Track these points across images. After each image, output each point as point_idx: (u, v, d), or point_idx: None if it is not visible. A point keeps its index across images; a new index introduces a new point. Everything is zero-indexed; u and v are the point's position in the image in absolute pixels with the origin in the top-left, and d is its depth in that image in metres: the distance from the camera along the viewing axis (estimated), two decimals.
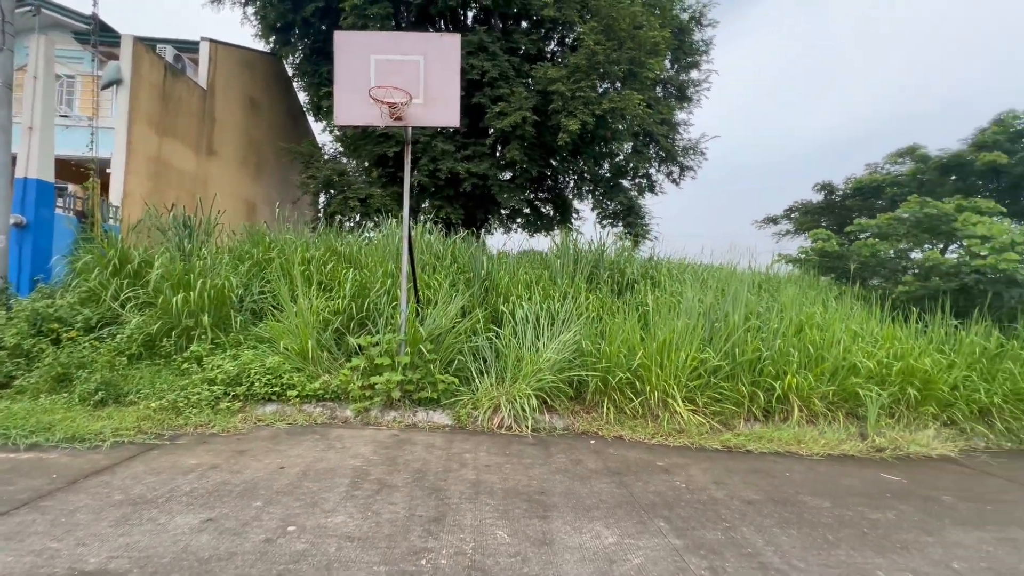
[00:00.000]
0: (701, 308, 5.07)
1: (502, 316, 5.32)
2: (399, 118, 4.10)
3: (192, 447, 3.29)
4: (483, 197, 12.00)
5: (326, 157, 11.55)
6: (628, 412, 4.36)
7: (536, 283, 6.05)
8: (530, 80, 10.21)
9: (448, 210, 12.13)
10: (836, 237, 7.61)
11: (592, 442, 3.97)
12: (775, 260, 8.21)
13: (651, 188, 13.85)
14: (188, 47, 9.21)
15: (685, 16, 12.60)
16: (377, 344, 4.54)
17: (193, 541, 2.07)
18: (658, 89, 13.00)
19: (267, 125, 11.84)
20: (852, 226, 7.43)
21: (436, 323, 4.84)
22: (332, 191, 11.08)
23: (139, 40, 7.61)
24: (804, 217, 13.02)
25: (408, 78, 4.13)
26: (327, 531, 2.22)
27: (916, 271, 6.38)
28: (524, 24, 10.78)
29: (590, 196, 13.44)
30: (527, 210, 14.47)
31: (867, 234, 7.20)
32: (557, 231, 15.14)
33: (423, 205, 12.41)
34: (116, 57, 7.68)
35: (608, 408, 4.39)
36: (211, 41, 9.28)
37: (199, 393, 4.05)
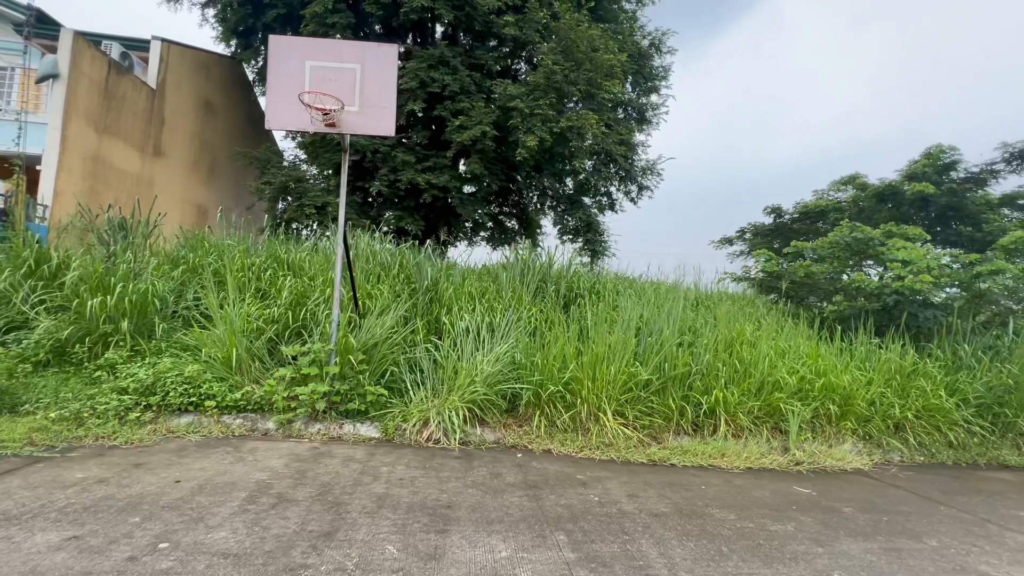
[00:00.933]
0: (639, 323, 5.16)
1: (444, 328, 5.29)
2: (332, 124, 4.06)
3: (84, 460, 3.09)
4: (444, 209, 12.00)
5: (285, 164, 11.33)
6: (559, 426, 4.36)
7: (481, 295, 6.05)
8: (494, 95, 10.34)
9: (408, 221, 12.08)
10: (776, 258, 7.92)
11: (519, 455, 3.95)
12: (720, 279, 8.49)
13: (611, 206, 14.17)
14: (139, 46, 8.93)
15: (645, 43, 13.08)
16: (306, 353, 4.42)
17: (46, 560, 1.93)
18: (619, 111, 13.42)
19: (223, 129, 11.55)
20: (789, 248, 7.76)
21: (371, 333, 4.75)
22: (289, 198, 10.86)
23: (81, 35, 7.34)
24: (755, 238, 13.57)
25: (344, 85, 4.11)
26: (202, 548, 2.11)
27: (844, 292, 6.70)
28: (490, 42, 10.95)
29: (552, 212, 13.63)
30: (490, 224, 14.57)
31: (804, 256, 7.53)
32: (521, 245, 15.37)
33: (384, 215, 12.34)
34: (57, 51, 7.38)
35: (540, 421, 4.38)
36: (163, 40, 9.04)
37: (106, 403, 3.83)
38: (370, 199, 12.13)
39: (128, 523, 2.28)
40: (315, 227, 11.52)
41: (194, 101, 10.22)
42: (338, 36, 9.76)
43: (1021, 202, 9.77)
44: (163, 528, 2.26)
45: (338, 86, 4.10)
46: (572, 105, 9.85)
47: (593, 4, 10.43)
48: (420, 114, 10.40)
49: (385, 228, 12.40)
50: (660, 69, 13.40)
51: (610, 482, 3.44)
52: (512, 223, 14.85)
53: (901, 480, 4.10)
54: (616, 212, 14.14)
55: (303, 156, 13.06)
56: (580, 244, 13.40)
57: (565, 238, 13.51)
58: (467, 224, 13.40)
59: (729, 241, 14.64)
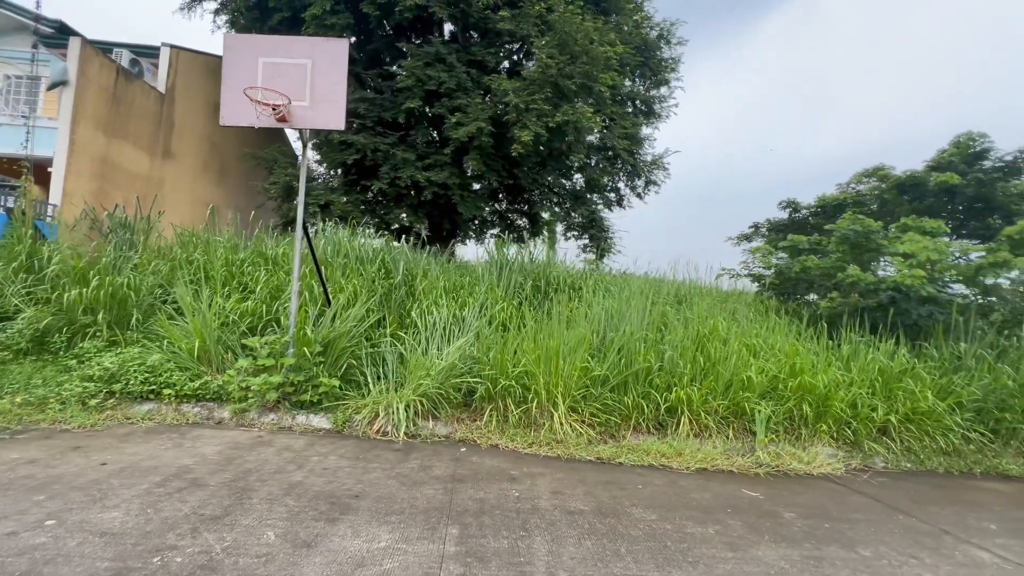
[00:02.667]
0: (605, 318, 5.03)
1: (410, 322, 5.30)
2: (283, 119, 4.13)
3: (29, 442, 3.25)
4: (447, 207, 12.05)
5: (291, 163, 11.63)
6: (511, 421, 4.29)
7: (455, 290, 6.04)
8: (490, 92, 10.31)
9: (412, 219, 12.21)
10: (774, 252, 7.57)
11: (463, 450, 3.91)
12: (719, 275, 8.20)
13: (619, 202, 13.91)
14: (150, 53, 9.38)
15: (653, 34, 12.75)
16: (265, 345, 4.52)
17: None
18: (628, 105, 13.14)
19: (234, 131, 11.97)
20: (785, 242, 7.39)
21: (333, 326, 4.81)
22: (293, 197, 11.14)
23: (88, 43, 7.76)
24: (771, 234, 13.03)
25: (295, 81, 4.17)
26: (85, 527, 2.17)
27: (840, 288, 6.32)
28: (487, 38, 10.92)
29: (556, 208, 13.48)
30: (496, 221, 14.56)
31: (800, 251, 7.14)
32: (538, 242, 15.27)
33: (387, 214, 12.49)
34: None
35: (492, 416, 4.32)
36: (172, 47, 9.46)
37: (71, 389, 4.02)
38: (372, 197, 12.33)
39: (31, 501, 2.38)
40: (318, 224, 11.82)
41: (204, 104, 10.63)
42: (337, 37, 9.93)
43: None
44: (60, 507, 2.35)
45: (290, 81, 4.17)
46: (570, 99, 9.68)
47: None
48: (419, 112, 10.47)
49: (396, 226, 12.61)
50: (669, 61, 13.06)
51: (543, 478, 3.36)
52: (521, 220, 14.80)
53: (871, 487, 3.83)
54: (624, 208, 13.89)
55: (317, 157, 13.46)
56: (586, 241, 13.24)
57: (570, 235, 13.37)
58: (473, 222, 13.43)
59: (747, 238, 14.16)
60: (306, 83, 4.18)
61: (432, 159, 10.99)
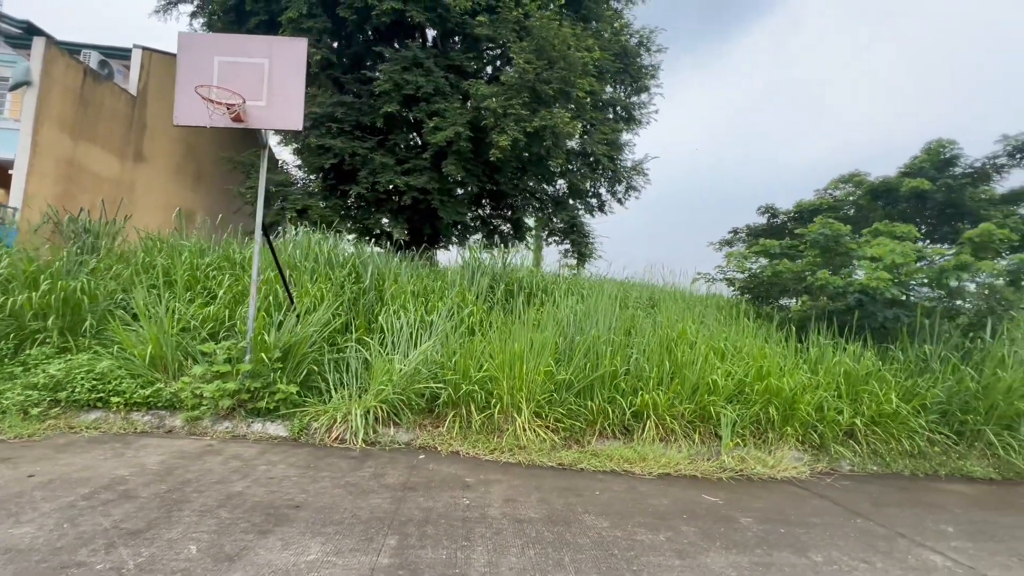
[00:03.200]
0: (573, 321, 4.98)
1: (376, 327, 5.21)
2: (238, 119, 4.04)
3: None
4: (427, 212, 11.97)
5: (268, 166, 11.47)
6: (474, 427, 4.20)
7: (425, 294, 5.96)
8: (469, 97, 10.28)
9: (392, 224, 12.11)
10: (750, 257, 7.59)
11: (421, 457, 3.81)
12: (695, 279, 8.22)
13: (601, 208, 13.94)
14: (121, 54, 9.21)
15: (633, 41, 12.85)
16: (222, 350, 4.39)
17: None
18: (609, 111, 13.21)
19: (211, 134, 11.82)
20: (757, 246, 7.42)
21: (295, 331, 4.69)
22: (271, 202, 10.99)
23: (54, 44, 7.60)
24: (751, 239, 13.13)
25: (252, 80, 4.09)
26: None
27: (810, 292, 6.35)
28: (465, 42, 10.92)
29: (539, 213, 13.47)
30: (479, 226, 14.50)
31: (772, 255, 7.17)
32: (521, 247, 15.24)
33: (368, 219, 12.37)
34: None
35: (453, 422, 4.23)
36: (144, 49, 9.30)
37: (12, 398, 3.85)
38: (352, 203, 12.21)
39: None
40: (297, 229, 11.67)
41: None
42: (316, 39, 9.86)
43: None
44: None
45: (247, 81, 4.08)
46: (548, 104, 9.68)
47: (564, 2, 10.28)
48: (398, 117, 10.40)
49: (377, 231, 12.49)
50: (649, 68, 13.16)
51: (498, 486, 3.28)
52: (505, 226, 14.75)
53: (834, 490, 3.80)
54: (606, 214, 13.93)
55: (298, 161, 13.31)
56: (567, 246, 13.24)
57: (551, 240, 13.36)
58: (455, 227, 13.35)
59: (728, 243, 14.27)
60: (263, 83, 4.09)
61: (411, 164, 10.91)
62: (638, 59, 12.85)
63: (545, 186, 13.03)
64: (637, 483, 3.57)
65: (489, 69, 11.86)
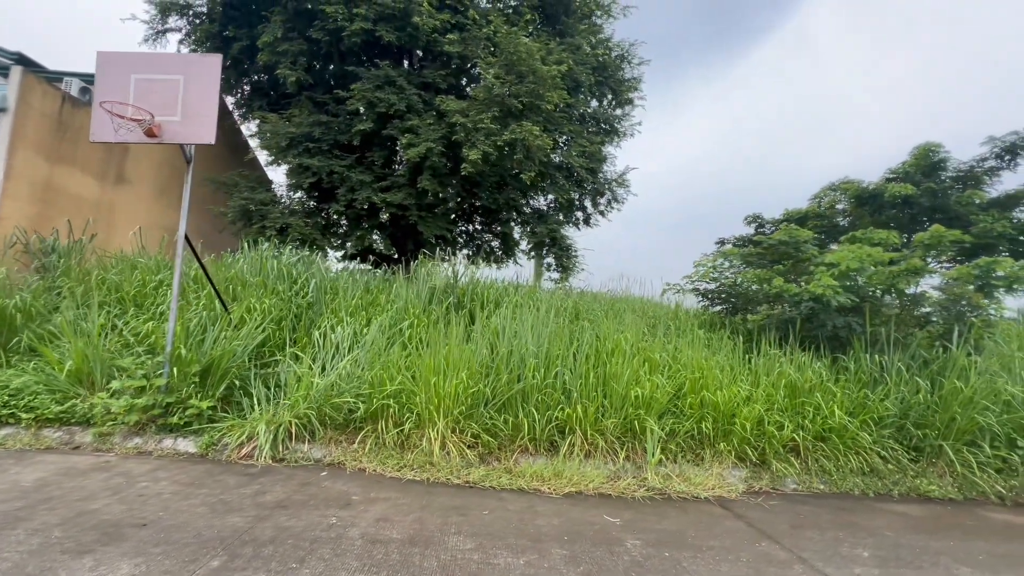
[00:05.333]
0: (508, 334, 4.83)
1: (304, 341, 5.15)
2: (152, 134, 4.08)
3: None
4: (408, 228, 12.01)
5: (251, 186, 11.64)
6: (387, 443, 4.06)
7: (367, 307, 5.89)
8: (444, 114, 10.37)
9: (370, 240, 12.16)
10: (714, 266, 7.36)
11: (323, 474, 3.68)
12: (664, 290, 8.00)
13: (586, 221, 13.83)
14: None
15: (613, 54, 12.88)
16: (140, 365, 4.36)
17: None
18: (590, 124, 13.20)
19: (198, 156, 12.07)
20: (720, 253, 7.20)
21: (217, 345, 4.65)
22: (251, 221, 11.13)
23: (31, 71, 7.92)
24: (737, 249, 12.83)
25: (167, 97, 4.14)
26: None
27: (769, 301, 6.10)
28: (437, 60, 11.08)
29: (522, 228, 13.40)
30: (464, 241, 14.49)
31: (730, 262, 6.94)
32: (514, 262, 15.17)
33: (350, 236, 12.46)
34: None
35: (369, 437, 4.10)
36: None
37: None
38: (334, 220, 12.33)
39: None
40: (278, 248, 11.80)
41: None
42: (291, 62, 10.10)
43: None
44: None
45: (162, 97, 4.14)
46: (518, 118, 9.70)
47: (531, 18, 10.37)
48: (374, 134, 10.52)
49: (357, 247, 12.55)
50: (631, 80, 13.15)
51: (382, 504, 3.12)
52: (495, 241, 14.72)
53: (759, 511, 3.54)
54: (591, 227, 13.80)
55: (290, 182, 13.54)
56: (551, 260, 13.10)
57: (532, 254, 13.27)
58: (438, 242, 13.36)
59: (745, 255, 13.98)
60: (178, 99, 4.14)
61: (389, 180, 11.00)
62: (619, 72, 12.86)
63: (526, 200, 12.98)
64: (538, 502, 3.38)
65: (466, 84, 11.97)
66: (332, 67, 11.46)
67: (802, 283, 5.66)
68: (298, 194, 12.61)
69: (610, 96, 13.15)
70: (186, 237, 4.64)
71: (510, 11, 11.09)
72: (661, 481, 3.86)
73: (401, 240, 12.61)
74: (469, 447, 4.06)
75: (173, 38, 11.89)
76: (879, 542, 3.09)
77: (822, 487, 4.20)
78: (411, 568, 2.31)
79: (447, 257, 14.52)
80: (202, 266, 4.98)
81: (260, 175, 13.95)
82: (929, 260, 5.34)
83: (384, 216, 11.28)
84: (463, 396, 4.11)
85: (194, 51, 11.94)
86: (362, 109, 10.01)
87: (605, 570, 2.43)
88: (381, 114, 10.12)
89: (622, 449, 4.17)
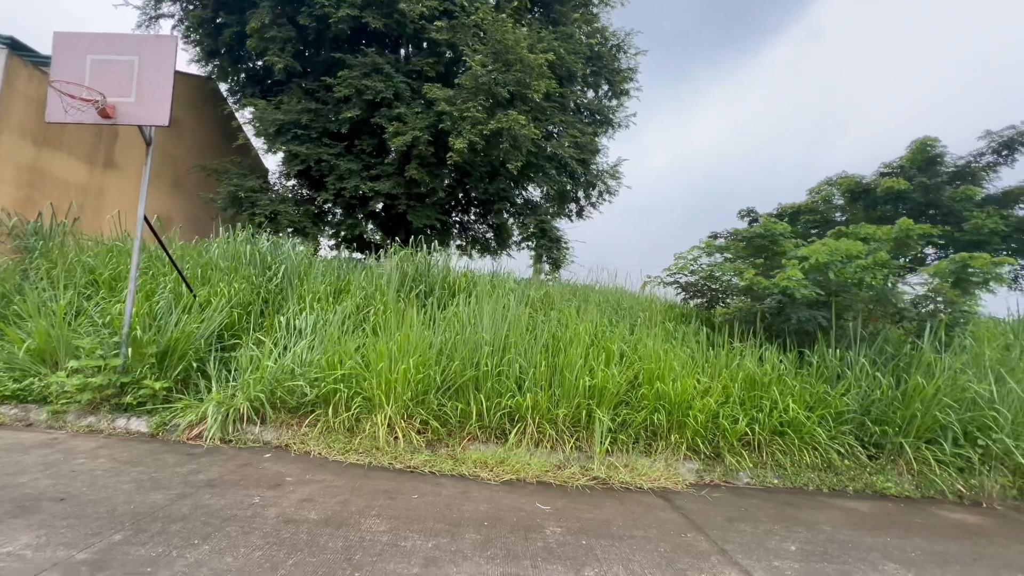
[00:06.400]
0: (466, 319, 4.82)
1: (269, 325, 5.17)
2: (106, 115, 4.08)
3: None
4: (399, 218, 12.00)
5: (243, 173, 11.66)
6: (335, 427, 4.07)
7: (336, 293, 5.90)
8: (432, 102, 10.30)
9: (360, 229, 12.17)
10: (691, 261, 7.26)
11: (267, 456, 3.70)
12: (646, 282, 7.91)
13: (579, 213, 13.73)
14: None
15: (610, 44, 12.69)
16: (97, 345, 4.41)
17: None
18: (583, 114, 13.06)
19: (190, 142, 12.19)
20: (697, 246, 7.09)
21: (178, 327, 4.68)
22: (241, 208, 11.17)
23: (17, 55, 7.98)
24: (729, 243, 12.67)
25: (123, 77, 4.14)
26: None
27: (741, 293, 6.00)
28: (426, 47, 11.00)
29: (513, 219, 13.34)
30: (456, 231, 14.46)
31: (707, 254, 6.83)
32: (507, 254, 15.12)
33: (342, 224, 12.49)
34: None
35: (318, 421, 4.12)
36: None
37: None
38: (327, 208, 12.35)
39: None
40: (268, 235, 11.85)
41: None
42: (279, 49, 10.07)
43: None
44: None
45: (118, 78, 4.14)
46: (505, 107, 9.60)
47: (518, 5, 10.23)
48: (362, 122, 10.48)
49: (348, 235, 12.57)
50: (626, 71, 12.96)
51: (313, 486, 3.13)
52: (489, 233, 14.67)
53: (700, 503, 3.50)
54: (583, 219, 13.71)
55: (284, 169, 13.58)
56: (541, 251, 13.04)
57: (524, 245, 13.22)
58: (427, 232, 13.34)
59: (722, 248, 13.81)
60: (133, 80, 4.14)
61: (378, 169, 10.98)
62: (615, 63, 12.67)
63: (518, 191, 12.91)
64: (475, 488, 3.37)
65: (455, 73, 11.87)
66: (323, 54, 11.42)
67: (774, 276, 5.57)
68: (291, 182, 12.66)
69: (606, 86, 12.98)
70: (146, 219, 4.65)
71: None
72: (606, 471, 3.83)
73: (392, 229, 12.61)
74: (418, 433, 4.06)
75: (167, 24, 11.97)
76: (812, 536, 3.04)
77: (776, 481, 4.15)
78: (313, 548, 2.31)
79: (437, 247, 14.58)
80: (164, 248, 5.02)
81: (253, 163, 14.00)
82: (897, 255, 5.21)
83: (378, 205, 11.28)
84: (412, 382, 4.10)
85: (187, 38, 11.99)
86: (350, 96, 9.97)
87: (512, 555, 2.41)
88: (369, 102, 10.08)
89: (572, 438, 4.15)
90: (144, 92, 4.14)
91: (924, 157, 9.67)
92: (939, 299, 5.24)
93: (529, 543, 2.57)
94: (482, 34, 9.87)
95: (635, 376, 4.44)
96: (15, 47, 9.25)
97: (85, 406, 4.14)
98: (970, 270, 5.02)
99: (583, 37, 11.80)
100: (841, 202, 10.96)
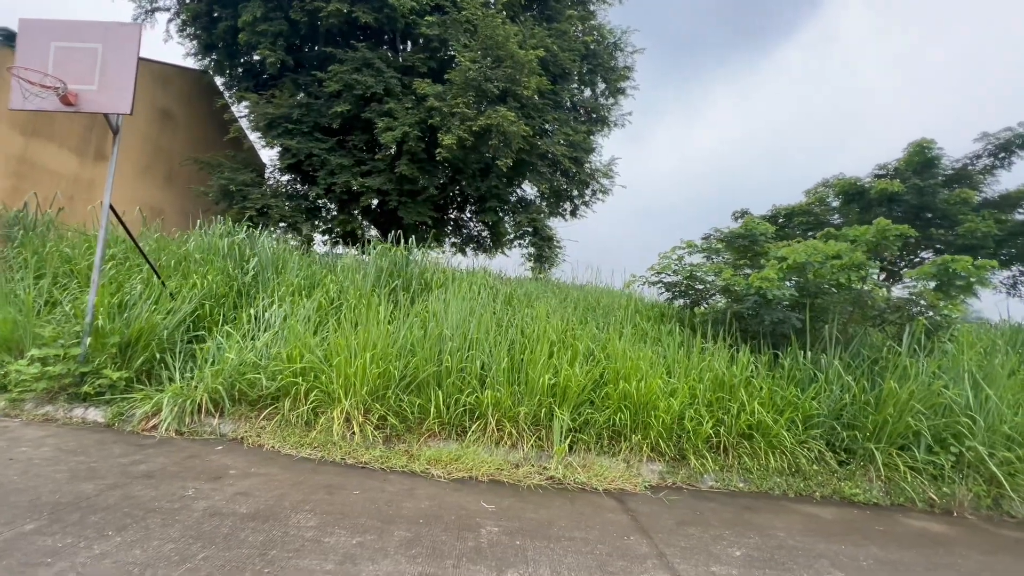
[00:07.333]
0: (440, 315, 4.76)
1: (238, 318, 5.14)
2: (68, 102, 4.06)
3: None
4: (391, 214, 11.96)
5: (235, 167, 11.65)
6: (291, 421, 4.03)
7: (309, 287, 5.87)
8: (423, 97, 10.25)
9: (354, 224, 12.13)
10: (674, 260, 7.15)
11: (219, 448, 3.66)
12: (630, 282, 7.82)
13: (573, 212, 13.63)
14: None
15: (609, 40, 12.59)
16: (57, 334, 4.39)
17: None
18: (579, 112, 12.96)
19: (185, 136, 12.22)
20: (680, 245, 6.97)
21: (141, 318, 4.66)
22: (232, 201, 11.17)
23: (7, 44, 8.03)
24: (722, 244, 12.53)
25: (86, 65, 4.12)
26: None
27: (721, 294, 5.90)
28: (417, 43, 10.95)
29: (506, 216, 13.25)
30: (450, 229, 14.41)
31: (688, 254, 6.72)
32: (502, 252, 15.05)
33: (335, 220, 12.46)
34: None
35: (274, 414, 4.07)
36: None
37: None
38: (319, 203, 12.33)
39: None
40: (258, 228, 11.85)
41: (148, 109, 10.88)
42: (270, 43, 10.06)
43: None
44: None
45: (82, 66, 4.12)
46: (495, 104, 9.53)
47: (507, 1, 10.14)
48: (353, 117, 10.44)
49: (339, 230, 12.54)
50: (623, 69, 12.85)
51: (254, 479, 3.09)
52: (483, 230, 14.60)
53: (654, 505, 3.42)
54: (577, 218, 13.61)
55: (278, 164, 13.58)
56: (532, 249, 12.97)
57: (516, 243, 13.15)
58: (420, 228, 13.29)
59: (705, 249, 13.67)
60: (96, 67, 4.11)
61: (369, 165, 10.95)
62: (611, 61, 12.56)
63: (512, 189, 12.82)
64: (422, 485, 3.30)
65: (447, 68, 11.83)
66: (316, 48, 11.41)
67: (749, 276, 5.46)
68: (286, 177, 12.65)
69: (602, 85, 12.87)
70: (112, 208, 4.63)
71: None
72: (563, 471, 3.76)
73: (385, 226, 12.58)
74: (376, 428, 4.00)
75: (162, 18, 12.02)
76: (763, 542, 2.95)
77: (741, 485, 4.05)
78: (231, 542, 2.26)
79: (432, 244, 14.54)
80: (131, 237, 5.00)
81: (248, 157, 14.01)
82: (875, 256, 5.09)
83: (373, 201, 11.25)
84: (370, 376, 4.04)
85: (183, 32, 12.01)
86: (341, 91, 9.94)
87: (437, 554, 2.34)
88: (359, 97, 10.04)
89: (533, 437, 4.07)
90: (107, 80, 4.11)
91: (921, 159, 9.49)
92: (921, 302, 5.12)
93: (460, 542, 2.50)
94: (472, 29, 9.80)
95: (600, 375, 4.36)
96: (8, 38, 9.29)
97: (42, 395, 4.12)
98: (952, 273, 4.89)
99: (579, 34, 11.70)
100: (836, 204, 10.82)
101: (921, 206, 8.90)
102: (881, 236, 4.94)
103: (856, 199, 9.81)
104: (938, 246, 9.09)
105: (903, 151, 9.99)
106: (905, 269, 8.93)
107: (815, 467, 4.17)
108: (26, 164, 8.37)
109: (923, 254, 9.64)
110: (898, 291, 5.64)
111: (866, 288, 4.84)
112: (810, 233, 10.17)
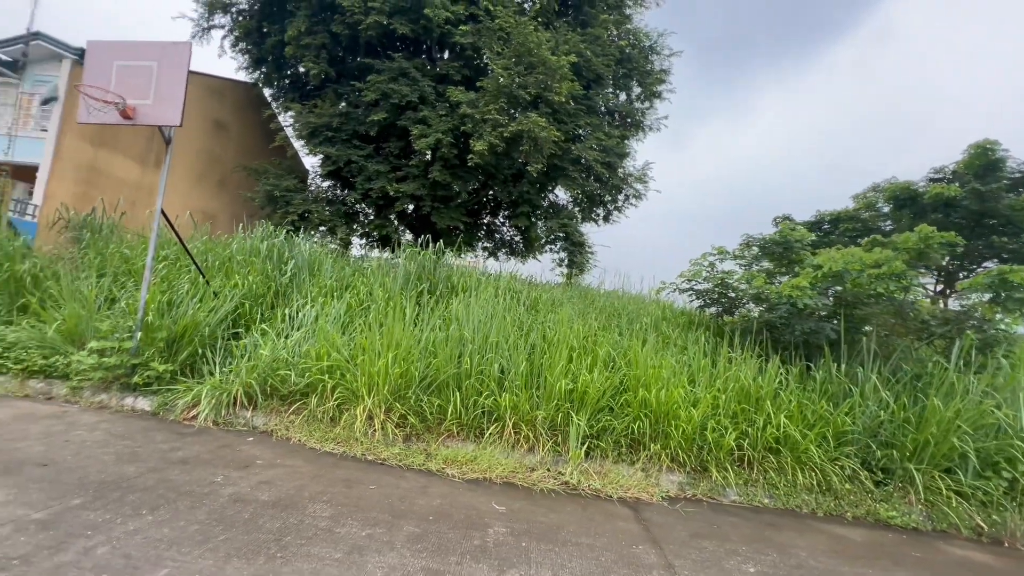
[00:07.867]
0: (463, 317, 4.86)
1: (276, 316, 5.41)
2: (127, 116, 4.43)
3: None
4: (425, 219, 12.24)
5: (280, 173, 12.24)
6: (319, 416, 4.20)
7: (341, 288, 6.10)
8: (457, 105, 10.47)
9: (388, 229, 12.49)
10: (705, 267, 6.96)
11: (250, 439, 3.88)
12: (660, 288, 7.69)
13: (606, 218, 13.51)
14: None
15: (645, 44, 12.46)
16: (115, 328, 4.77)
17: None
18: (613, 117, 12.85)
19: (237, 145, 12.97)
20: (711, 252, 6.77)
21: (188, 315, 4.99)
22: (277, 206, 11.74)
23: (79, 63, 8.82)
24: (760, 251, 12.06)
25: (142, 81, 4.48)
26: None
27: (756, 302, 5.70)
28: (452, 51, 11.19)
29: (540, 222, 13.28)
30: (483, 234, 14.58)
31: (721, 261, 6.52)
32: (534, 257, 15.12)
33: (371, 224, 12.87)
34: None
35: (303, 409, 4.27)
36: None
37: None
38: (358, 208, 12.77)
39: None
40: (299, 233, 12.39)
41: (202, 120, 11.64)
42: (313, 55, 10.55)
43: None
44: None
45: (139, 82, 4.48)
46: (527, 110, 9.62)
47: (541, 6, 10.20)
48: (390, 124, 10.78)
49: (376, 235, 12.94)
50: (659, 72, 12.67)
51: (278, 470, 3.25)
52: (515, 235, 14.71)
53: (671, 516, 3.35)
54: (610, 223, 13.48)
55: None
56: (564, 255, 12.92)
57: (548, 248, 13.14)
58: (452, 233, 13.52)
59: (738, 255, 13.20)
60: (151, 83, 4.47)
61: (404, 171, 11.26)
62: (647, 64, 12.41)
63: (543, 194, 12.85)
64: (436, 484, 3.38)
65: (464, 76, 12.01)
66: (356, 60, 11.87)
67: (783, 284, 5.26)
68: (326, 183, 13.19)
69: (637, 89, 12.74)
70: (163, 212, 4.99)
71: (528, 1, 10.98)
72: (578, 477, 3.74)
73: (419, 230, 12.89)
74: (397, 426, 4.12)
75: (217, 35, 12.81)
76: (780, 560, 2.84)
77: (766, 501, 3.90)
78: (250, 527, 2.40)
79: (464, 248, 14.75)
80: (180, 240, 5.36)
81: (291, 164, 14.69)
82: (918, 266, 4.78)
83: (409, 207, 11.56)
84: (392, 376, 4.17)
85: (236, 47, 12.77)
86: (378, 100, 10.29)
87: (442, 550, 2.40)
88: (395, 105, 10.37)
89: (550, 441, 4.08)
90: (161, 94, 4.46)
91: (983, 162, 8.82)
92: (975, 315, 4.78)
93: (466, 540, 2.55)
94: (505, 37, 9.94)
95: (620, 382, 4.32)
96: (82, 57, 10.18)
97: (98, 384, 4.48)
98: (1010, 284, 4.54)
99: (613, 39, 11.64)
100: (887, 210, 10.22)
101: (982, 212, 8.29)
102: (924, 244, 4.66)
103: (908, 204, 9.24)
104: (1004, 256, 8.43)
105: (963, 153, 9.34)
106: (964, 280, 8.31)
107: (848, 486, 3.96)
108: (95, 172, 9.15)
109: (986, 264, 8.96)
110: (953, 303, 5.27)
111: (909, 299, 4.56)
112: (857, 240, 9.66)
